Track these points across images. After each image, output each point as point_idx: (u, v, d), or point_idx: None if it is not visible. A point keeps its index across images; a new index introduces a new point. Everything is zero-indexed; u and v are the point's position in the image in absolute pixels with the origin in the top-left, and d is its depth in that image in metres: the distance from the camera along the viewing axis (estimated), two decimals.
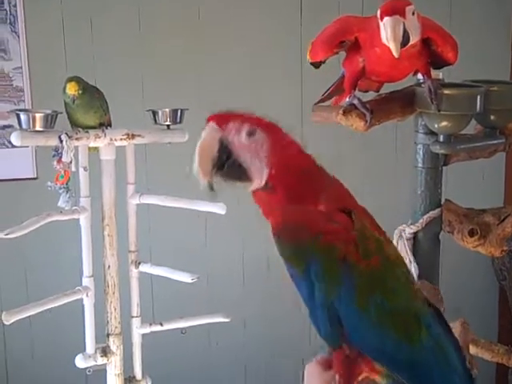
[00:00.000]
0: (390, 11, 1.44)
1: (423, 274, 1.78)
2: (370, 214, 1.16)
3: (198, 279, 2.28)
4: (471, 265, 3.45)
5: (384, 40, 1.46)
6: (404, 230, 1.81)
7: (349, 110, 1.59)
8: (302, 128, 3.31)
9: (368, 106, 1.58)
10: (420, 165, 1.77)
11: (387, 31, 1.44)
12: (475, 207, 1.84)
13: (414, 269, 1.78)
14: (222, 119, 1.13)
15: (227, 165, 1.12)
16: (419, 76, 1.67)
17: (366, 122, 1.57)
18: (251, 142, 1.11)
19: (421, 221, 1.79)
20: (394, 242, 1.83)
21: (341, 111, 1.59)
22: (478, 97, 1.63)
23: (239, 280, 3.40)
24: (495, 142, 1.79)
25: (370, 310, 1.06)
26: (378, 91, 1.75)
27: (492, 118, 1.74)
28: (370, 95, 1.76)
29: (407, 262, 1.79)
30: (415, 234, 1.80)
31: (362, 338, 1.08)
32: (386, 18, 1.44)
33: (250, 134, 1.11)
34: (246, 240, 3.35)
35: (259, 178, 1.11)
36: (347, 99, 1.62)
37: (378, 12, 1.46)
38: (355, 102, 1.59)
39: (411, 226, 1.80)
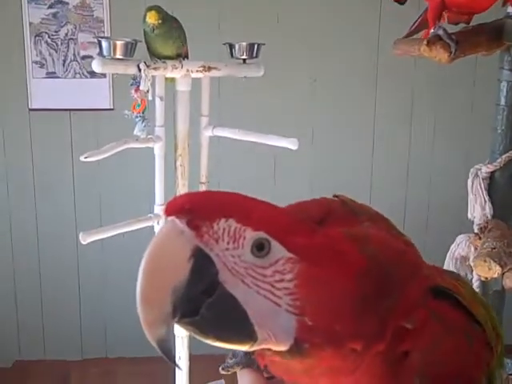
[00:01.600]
0: None
1: (498, 213, 1.75)
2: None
3: None
4: None
5: None
6: (480, 169, 1.78)
7: (433, 40, 1.56)
8: (376, 71, 3.27)
9: (454, 37, 1.54)
10: (502, 103, 1.72)
11: None
12: None
13: (488, 208, 1.75)
14: (200, 212, 0.62)
15: (206, 306, 0.61)
16: (509, 8, 1.62)
17: (451, 53, 1.53)
18: (262, 266, 0.62)
19: (499, 160, 1.75)
20: (469, 181, 1.81)
21: (425, 42, 1.56)
22: None
23: None
24: None
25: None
26: (468, 23, 1.69)
27: None
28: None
29: (481, 201, 1.77)
30: (492, 174, 1.77)
31: None
32: None
33: (259, 247, 0.61)
34: (314, 177, 3.36)
35: (277, 337, 0.61)
36: (432, 30, 1.59)
37: None
38: (440, 32, 1.55)
39: (488, 166, 1.77)
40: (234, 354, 0.76)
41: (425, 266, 0.70)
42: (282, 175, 3.35)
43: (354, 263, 0.62)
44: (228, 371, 0.76)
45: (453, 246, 1.84)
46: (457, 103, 3.34)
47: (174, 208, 0.62)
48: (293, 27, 3.12)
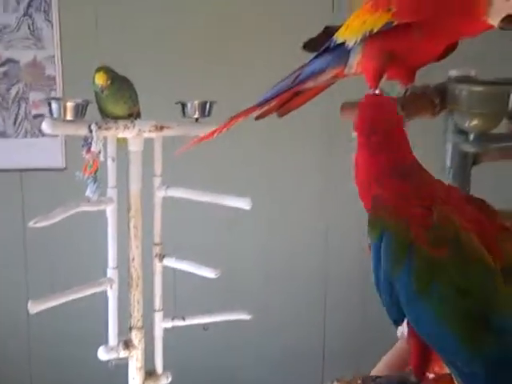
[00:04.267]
0: None
1: None
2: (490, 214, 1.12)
3: (222, 274, 2.27)
4: None
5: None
6: None
7: None
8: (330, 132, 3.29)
9: (399, 102, 1.54)
10: (448, 164, 1.73)
11: None
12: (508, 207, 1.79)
13: None
14: None
15: None
16: (451, 71, 1.63)
17: None
18: None
19: None
20: None
21: None
22: (511, 95, 1.58)
23: (262, 275, 3.39)
24: None
25: (425, 298, 1.02)
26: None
27: None
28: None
29: None
30: None
31: (416, 320, 1.05)
32: None
33: None
34: (269, 235, 3.34)
35: None
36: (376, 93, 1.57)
37: None
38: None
39: None
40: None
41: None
42: (237, 232, 3.32)
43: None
44: None
45: None
46: None
47: None
48: (244, 83, 3.13)
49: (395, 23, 1.45)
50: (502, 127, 1.74)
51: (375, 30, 1.48)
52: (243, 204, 2.21)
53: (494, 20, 1.40)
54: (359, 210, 3.41)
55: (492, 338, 0.98)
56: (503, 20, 1.40)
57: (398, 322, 1.11)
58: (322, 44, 1.65)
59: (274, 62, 3.13)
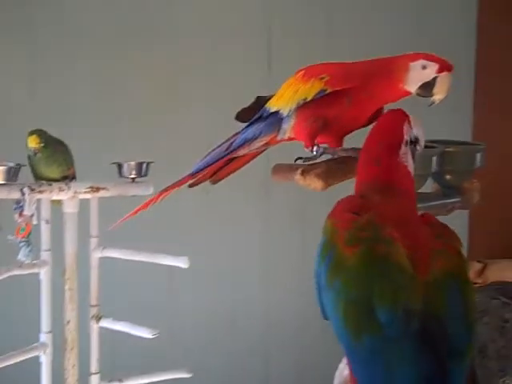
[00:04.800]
0: (451, 68, 1.48)
1: None
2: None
3: (160, 334, 2.23)
4: None
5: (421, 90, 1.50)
6: None
7: (308, 169, 1.59)
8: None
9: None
10: None
11: (444, 85, 1.48)
12: None
13: None
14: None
15: None
16: None
17: (325, 181, 1.57)
18: None
19: None
20: None
21: (299, 171, 1.59)
22: (434, 157, 1.66)
23: (203, 335, 3.36)
24: (451, 200, 1.82)
25: (329, 289, 1.13)
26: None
27: (448, 177, 1.77)
28: None
29: None
30: None
31: (329, 315, 1.16)
32: (447, 74, 1.47)
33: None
34: (210, 294, 3.33)
35: None
36: (314, 151, 1.60)
37: (431, 63, 1.48)
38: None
39: None
40: None
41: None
42: (178, 291, 3.30)
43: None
44: None
45: None
46: None
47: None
48: (180, 143, 3.16)
49: (328, 91, 1.52)
50: (427, 187, 1.82)
51: (309, 98, 1.55)
52: (181, 263, 2.21)
53: (411, 87, 1.50)
54: (296, 265, 3.44)
55: (375, 329, 1.06)
56: (420, 87, 1.50)
57: (326, 317, 1.19)
58: (254, 113, 1.71)
59: (210, 123, 3.18)
